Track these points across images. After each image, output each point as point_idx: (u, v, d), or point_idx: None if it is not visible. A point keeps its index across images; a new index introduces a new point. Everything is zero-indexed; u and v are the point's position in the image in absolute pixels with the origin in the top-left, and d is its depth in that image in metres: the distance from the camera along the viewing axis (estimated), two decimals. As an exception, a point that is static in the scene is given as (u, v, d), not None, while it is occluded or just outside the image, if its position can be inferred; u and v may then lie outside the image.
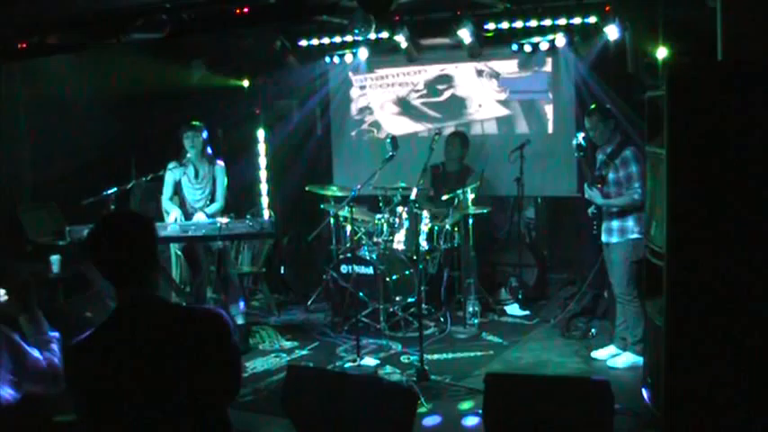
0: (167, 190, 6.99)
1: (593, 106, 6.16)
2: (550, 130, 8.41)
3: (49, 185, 7.75)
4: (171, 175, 6.93)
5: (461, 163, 8.06)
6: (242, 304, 7.07)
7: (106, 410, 2.37)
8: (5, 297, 3.24)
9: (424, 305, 7.12)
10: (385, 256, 7.18)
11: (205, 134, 6.94)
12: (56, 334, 3.25)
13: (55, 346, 3.18)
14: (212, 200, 7.03)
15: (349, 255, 7.26)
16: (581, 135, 6.02)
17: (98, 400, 2.38)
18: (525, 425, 3.42)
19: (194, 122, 6.97)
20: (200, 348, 2.40)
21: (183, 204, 7.03)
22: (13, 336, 3.04)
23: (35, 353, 3.08)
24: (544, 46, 7.85)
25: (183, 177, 6.96)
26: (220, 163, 7.04)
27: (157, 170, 6.88)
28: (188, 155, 6.88)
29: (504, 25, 7.71)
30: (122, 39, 6.14)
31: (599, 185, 5.87)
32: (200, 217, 6.86)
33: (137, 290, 2.46)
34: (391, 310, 7.10)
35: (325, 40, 8.53)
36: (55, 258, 7.15)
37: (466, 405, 5.32)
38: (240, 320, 6.96)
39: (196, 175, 6.95)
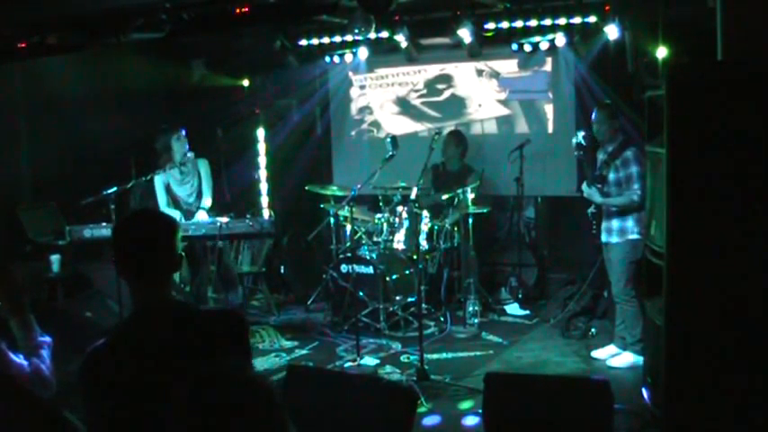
0: (162, 198, 7.10)
1: (607, 102, 6.20)
2: (550, 129, 8.41)
3: (49, 185, 7.76)
4: (160, 180, 7.04)
5: (461, 162, 8.05)
6: (240, 291, 7.23)
7: (121, 417, 2.33)
8: None
9: (423, 305, 7.11)
10: (385, 256, 7.18)
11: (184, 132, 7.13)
12: (47, 339, 3.19)
13: (44, 352, 3.10)
14: (200, 193, 7.13)
15: (349, 254, 7.27)
16: (581, 134, 6.03)
17: (114, 407, 2.32)
18: (525, 425, 3.42)
19: (173, 125, 7.09)
20: (218, 348, 2.37)
21: (177, 204, 7.08)
22: None
23: (19, 359, 3.03)
24: (544, 45, 7.85)
25: (171, 179, 7.05)
26: (202, 158, 7.19)
27: (154, 174, 6.94)
28: (182, 152, 6.97)
29: (504, 25, 7.71)
30: (122, 39, 6.13)
31: (599, 185, 5.88)
32: (202, 216, 6.91)
33: (154, 291, 2.42)
34: (391, 309, 7.10)
35: (325, 40, 8.52)
36: (55, 258, 7.17)
37: (466, 405, 5.32)
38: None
39: (180, 172, 7.05)
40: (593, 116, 6.02)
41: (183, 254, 2.53)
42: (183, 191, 7.13)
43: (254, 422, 1.77)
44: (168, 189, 7.12)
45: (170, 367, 2.27)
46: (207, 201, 7.18)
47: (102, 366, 2.35)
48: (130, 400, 2.31)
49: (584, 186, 6.03)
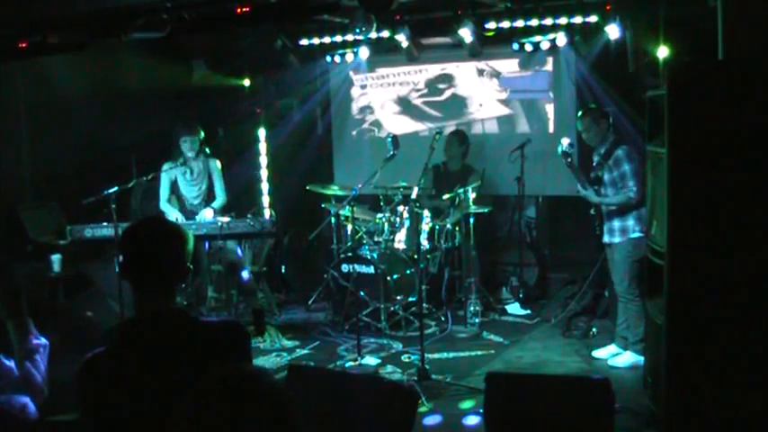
0: (164, 192, 7.05)
1: (591, 107, 6.20)
2: (551, 129, 8.41)
3: (50, 185, 7.75)
4: (167, 175, 6.98)
5: (463, 162, 8.05)
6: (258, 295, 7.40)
7: (116, 425, 2.30)
8: None
9: (424, 304, 7.11)
10: (386, 256, 7.18)
11: (202, 135, 6.99)
12: (43, 342, 3.16)
13: (39, 357, 3.08)
14: (210, 195, 7.09)
15: (350, 254, 7.27)
16: (565, 141, 5.96)
17: (109, 416, 2.30)
18: (526, 424, 3.42)
19: (190, 125, 6.99)
20: (219, 358, 2.35)
21: (181, 203, 7.06)
22: None
23: (9, 362, 3.02)
24: (545, 45, 7.85)
25: (180, 176, 7.01)
26: (214, 159, 7.12)
27: (158, 170, 6.91)
28: (188, 155, 6.93)
29: (505, 24, 7.71)
30: (123, 38, 6.14)
31: (596, 186, 5.89)
32: (207, 214, 6.90)
33: (157, 299, 2.38)
34: (392, 309, 7.10)
35: (326, 40, 8.52)
36: (55, 258, 7.17)
37: (467, 404, 5.32)
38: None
39: (191, 173, 7.01)
40: (578, 125, 6.04)
41: (192, 266, 2.50)
42: (191, 192, 7.07)
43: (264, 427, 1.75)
44: (174, 186, 7.09)
45: (168, 377, 2.26)
46: (219, 201, 7.09)
47: (100, 374, 2.33)
48: (127, 408, 2.28)
49: (579, 189, 6.04)
